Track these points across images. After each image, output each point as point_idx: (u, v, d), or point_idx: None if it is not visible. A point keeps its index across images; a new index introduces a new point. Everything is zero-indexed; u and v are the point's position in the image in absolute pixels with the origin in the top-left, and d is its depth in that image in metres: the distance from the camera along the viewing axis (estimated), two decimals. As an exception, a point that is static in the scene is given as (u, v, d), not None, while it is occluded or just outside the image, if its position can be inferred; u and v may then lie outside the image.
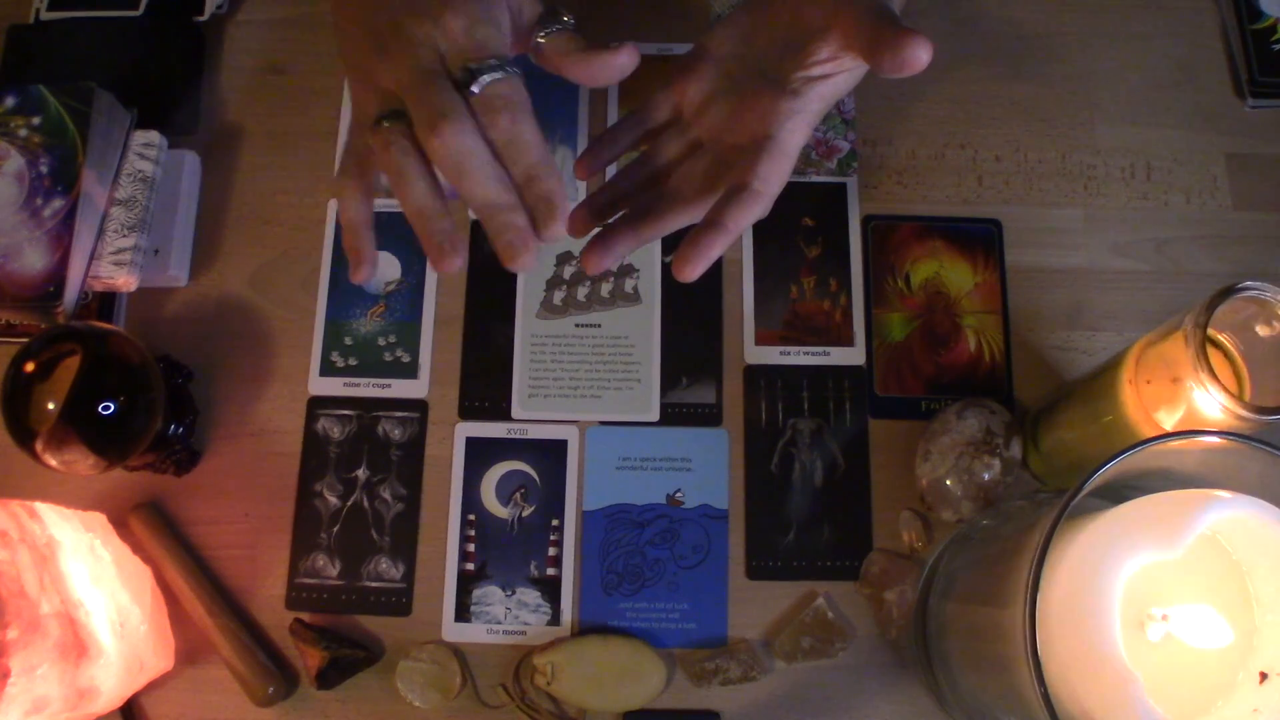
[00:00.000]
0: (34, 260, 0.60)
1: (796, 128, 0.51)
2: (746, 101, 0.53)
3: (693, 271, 0.50)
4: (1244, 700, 0.40)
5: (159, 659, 0.55)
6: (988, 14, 0.70)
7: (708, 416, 0.62)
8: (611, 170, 0.65)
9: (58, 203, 0.61)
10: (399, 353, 0.64)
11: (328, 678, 0.57)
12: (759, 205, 0.50)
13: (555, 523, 0.61)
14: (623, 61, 0.48)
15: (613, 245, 0.53)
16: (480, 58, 0.46)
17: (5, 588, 0.45)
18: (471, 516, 0.61)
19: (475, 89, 0.45)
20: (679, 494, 0.61)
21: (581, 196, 0.66)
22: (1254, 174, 0.67)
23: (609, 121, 0.68)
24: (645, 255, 0.65)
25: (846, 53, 0.49)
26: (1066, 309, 0.64)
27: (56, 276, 0.60)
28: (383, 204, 0.66)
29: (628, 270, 0.65)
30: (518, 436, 0.62)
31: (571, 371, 0.63)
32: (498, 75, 0.45)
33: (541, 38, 0.50)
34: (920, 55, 0.45)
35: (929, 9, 0.70)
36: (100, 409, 0.53)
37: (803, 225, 0.66)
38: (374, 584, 0.60)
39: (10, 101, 0.63)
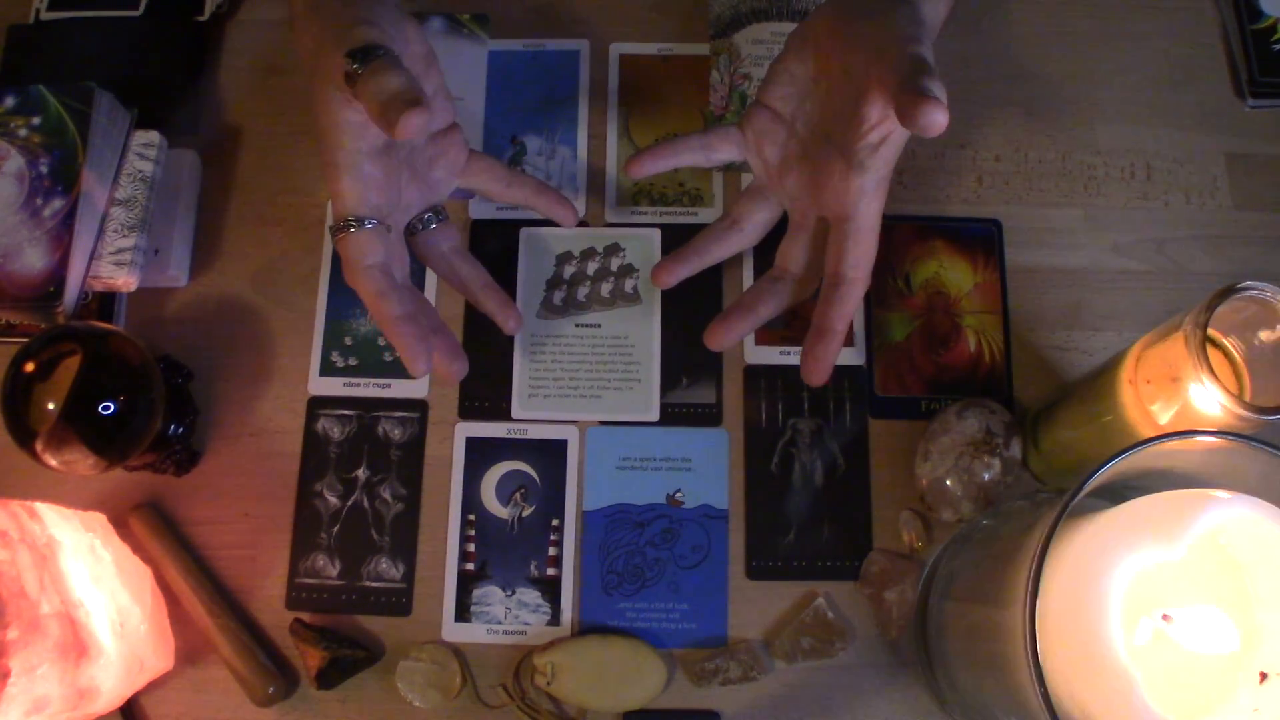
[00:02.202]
0: (34, 260, 0.60)
1: (872, 200, 0.54)
2: (820, 176, 0.55)
3: (821, 379, 0.55)
4: (1244, 700, 0.40)
5: (159, 659, 0.55)
6: (988, 14, 0.70)
7: (708, 416, 0.62)
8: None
9: (58, 203, 0.61)
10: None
11: (328, 678, 0.57)
12: (857, 291, 0.55)
13: (555, 523, 0.61)
14: (411, 134, 0.47)
15: (734, 326, 0.59)
16: (335, 215, 0.54)
17: (5, 588, 0.45)
18: (471, 516, 0.61)
19: (334, 245, 0.56)
20: (679, 494, 0.61)
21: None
22: (1254, 174, 0.67)
23: (609, 120, 0.68)
24: (645, 256, 0.65)
25: (891, 109, 0.50)
26: (1066, 309, 0.64)
27: (56, 276, 0.60)
28: (383, 204, 0.67)
29: (628, 270, 0.65)
30: (518, 436, 0.62)
31: (571, 371, 0.63)
32: (336, 230, 0.54)
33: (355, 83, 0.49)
34: (934, 120, 0.45)
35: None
36: (100, 409, 0.53)
37: (803, 225, 0.66)
38: (374, 584, 0.60)
39: (10, 101, 0.63)
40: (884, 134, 0.51)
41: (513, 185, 0.62)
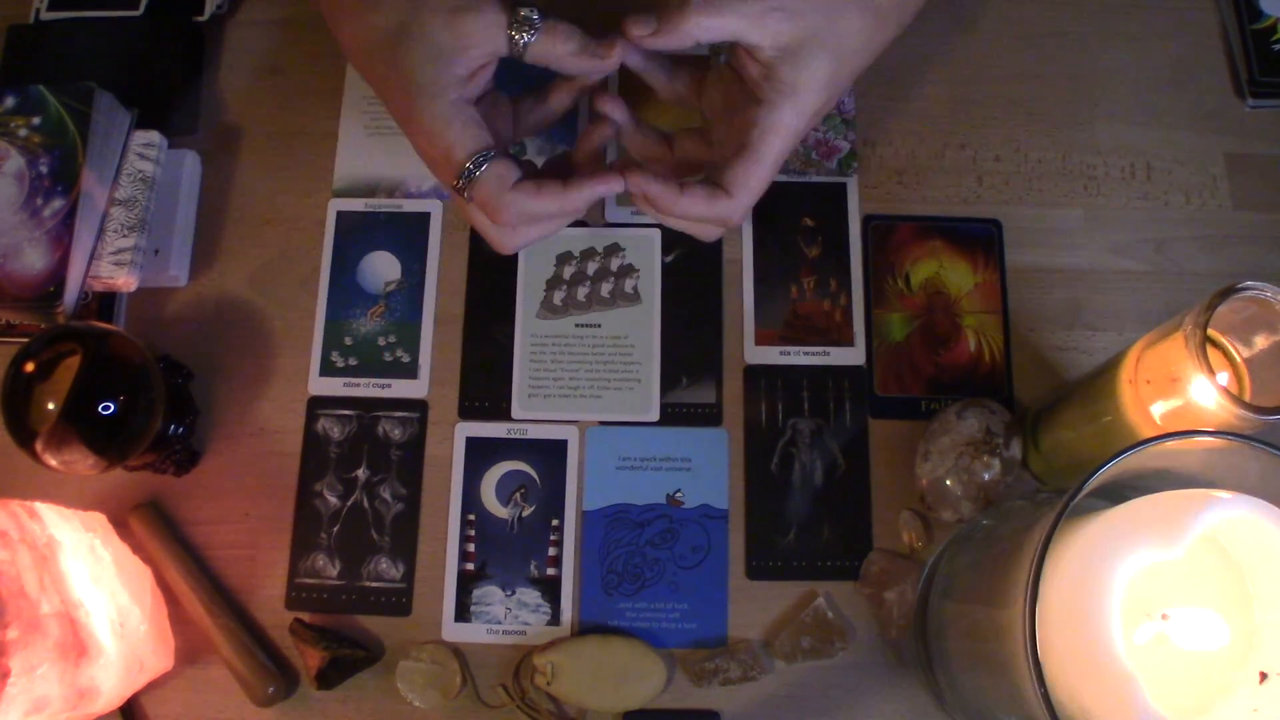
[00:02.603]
0: (34, 260, 0.60)
1: (765, 132, 0.53)
2: (735, 118, 0.55)
3: (629, 180, 0.53)
4: (1244, 700, 0.40)
5: (159, 659, 0.55)
6: (988, 14, 0.70)
7: (708, 416, 0.62)
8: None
9: (58, 203, 0.61)
10: (399, 353, 0.64)
11: (328, 678, 0.57)
12: (722, 203, 0.53)
13: (555, 523, 0.61)
14: (614, 62, 0.53)
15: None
16: (455, 173, 0.52)
17: (5, 588, 0.45)
18: (471, 516, 0.61)
19: (470, 200, 0.53)
20: (679, 494, 0.61)
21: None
22: (1254, 174, 0.67)
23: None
24: (645, 255, 0.65)
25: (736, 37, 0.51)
26: (1066, 309, 0.64)
27: (56, 276, 0.60)
28: (382, 203, 0.67)
29: (628, 270, 0.65)
30: (518, 436, 0.62)
31: (571, 371, 0.63)
32: (465, 182, 0.52)
33: (520, 46, 0.52)
34: (629, 29, 0.52)
35: (929, 8, 0.69)
36: (100, 409, 0.53)
37: (803, 225, 0.66)
38: (374, 584, 0.60)
39: (10, 101, 0.63)
40: (751, 67, 0.52)
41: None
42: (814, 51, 0.51)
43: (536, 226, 0.55)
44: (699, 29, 0.51)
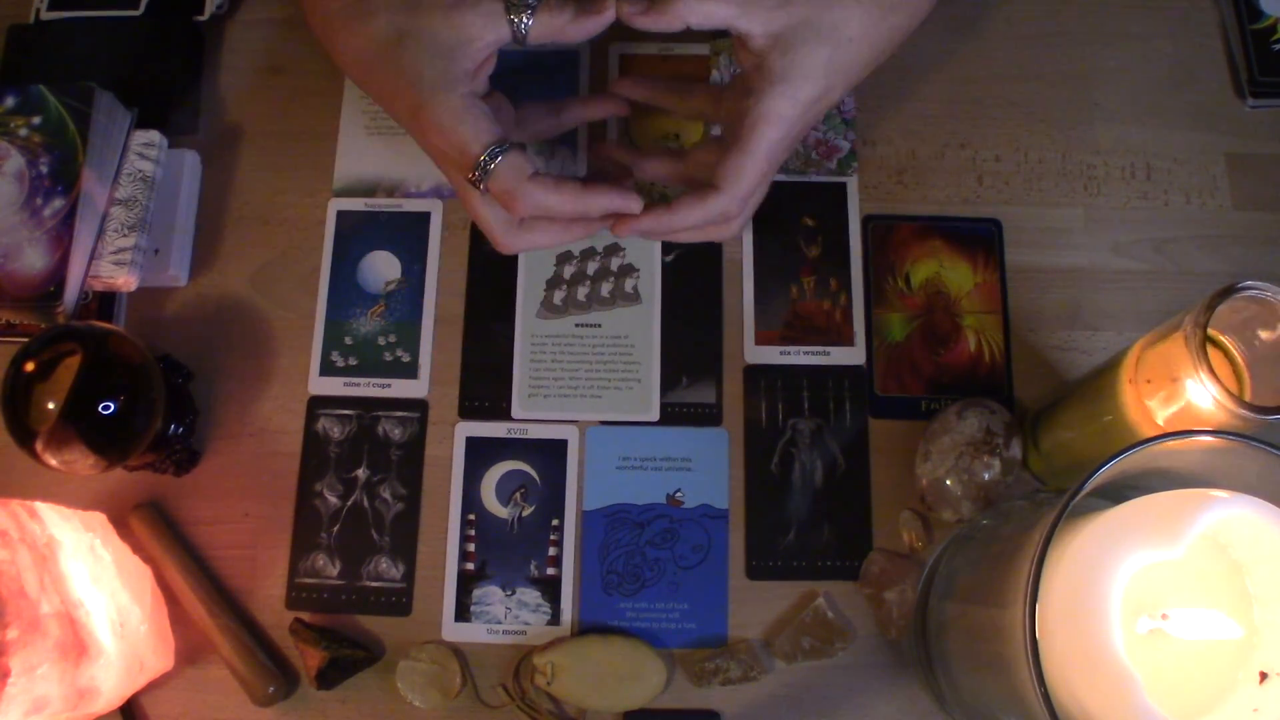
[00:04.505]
0: (34, 260, 0.60)
1: (756, 121, 0.52)
2: (733, 109, 0.55)
3: (622, 231, 0.55)
4: (1244, 700, 0.40)
5: (159, 659, 0.55)
6: (988, 14, 0.70)
7: (708, 416, 0.62)
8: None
9: (58, 203, 0.61)
10: (399, 352, 0.64)
11: (328, 678, 0.57)
12: (713, 201, 0.53)
13: (555, 523, 0.61)
14: (608, 17, 0.53)
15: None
16: (470, 166, 0.52)
17: (5, 588, 0.45)
18: (471, 516, 0.61)
19: (486, 192, 0.53)
20: (679, 494, 0.61)
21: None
22: (1254, 174, 0.67)
23: (609, 120, 0.68)
24: (645, 255, 0.65)
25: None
26: (1066, 309, 0.64)
27: (56, 276, 0.60)
28: (382, 203, 0.67)
29: (628, 270, 0.65)
30: (518, 436, 0.62)
31: (571, 371, 0.63)
32: (481, 174, 0.52)
33: (523, 28, 0.52)
34: (621, 6, 0.52)
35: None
36: (100, 409, 0.53)
37: (803, 225, 0.66)
38: (374, 584, 0.60)
39: (10, 101, 0.63)
40: (745, 57, 0.53)
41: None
42: (806, 38, 0.51)
43: (544, 233, 0.55)
44: (689, 11, 0.50)
